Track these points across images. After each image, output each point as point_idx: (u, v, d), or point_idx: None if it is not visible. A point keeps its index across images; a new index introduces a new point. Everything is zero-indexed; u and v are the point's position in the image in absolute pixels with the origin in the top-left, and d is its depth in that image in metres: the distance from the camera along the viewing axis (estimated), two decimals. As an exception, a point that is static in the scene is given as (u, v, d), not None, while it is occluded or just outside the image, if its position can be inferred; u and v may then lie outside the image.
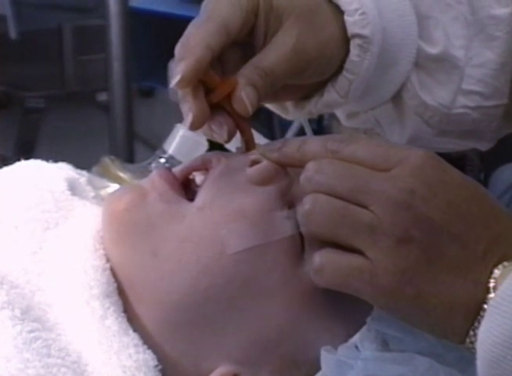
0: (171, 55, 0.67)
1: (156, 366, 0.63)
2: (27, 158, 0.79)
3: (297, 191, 0.65)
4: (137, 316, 0.65)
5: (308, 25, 0.69)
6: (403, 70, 0.76)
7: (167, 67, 0.67)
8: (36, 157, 0.79)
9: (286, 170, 0.66)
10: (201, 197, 0.66)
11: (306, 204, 0.60)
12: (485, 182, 1.46)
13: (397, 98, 0.78)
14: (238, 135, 0.69)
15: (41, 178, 0.74)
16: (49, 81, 3.58)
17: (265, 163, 0.66)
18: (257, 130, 0.75)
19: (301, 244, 0.64)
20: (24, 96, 3.38)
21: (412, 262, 0.57)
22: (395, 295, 0.58)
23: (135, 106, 2.23)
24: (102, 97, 3.08)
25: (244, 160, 0.67)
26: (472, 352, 0.57)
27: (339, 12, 0.71)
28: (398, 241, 0.57)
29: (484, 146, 0.84)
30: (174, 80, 0.64)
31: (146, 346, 0.63)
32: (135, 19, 2.36)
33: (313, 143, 0.63)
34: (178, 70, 0.64)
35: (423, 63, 0.76)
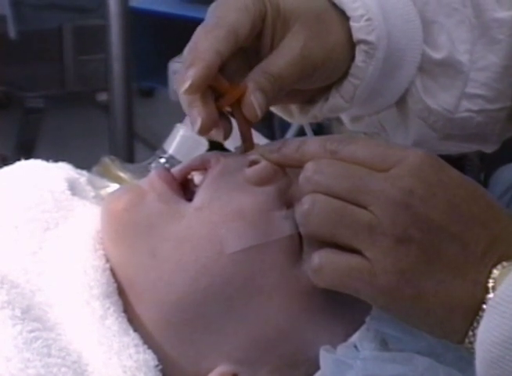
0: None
1: (157, 366, 0.63)
2: (27, 158, 0.79)
3: (295, 191, 0.65)
4: (137, 316, 0.65)
5: (315, 30, 0.69)
6: (407, 74, 0.76)
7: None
8: (36, 157, 0.79)
9: (285, 170, 0.66)
10: (200, 197, 0.66)
11: (305, 204, 0.60)
12: (485, 183, 1.45)
13: (401, 102, 0.78)
14: (237, 134, 0.69)
15: (41, 178, 0.74)
16: (49, 81, 3.58)
17: (263, 163, 0.66)
18: (257, 130, 0.75)
19: (300, 243, 0.64)
20: (24, 96, 3.39)
21: (411, 262, 0.57)
22: (394, 295, 0.58)
23: (135, 106, 2.23)
24: (102, 97, 3.09)
25: (243, 161, 0.67)
26: (471, 352, 0.58)
27: (345, 17, 0.72)
28: (397, 241, 0.57)
29: (488, 149, 0.84)
30: (183, 86, 0.64)
31: (146, 346, 0.64)
32: (135, 19, 2.36)
33: (312, 144, 0.63)
34: (187, 77, 0.64)
35: (427, 67, 0.76)
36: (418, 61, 0.76)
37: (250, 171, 0.66)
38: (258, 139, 0.72)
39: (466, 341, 0.58)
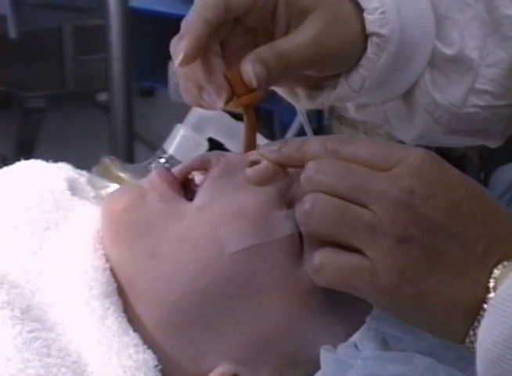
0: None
1: (157, 366, 0.63)
2: (27, 158, 0.79)
3: (296, 191, 0.65)
4: (137, 316, 0.65)
5: (332, 19, 0.70)
6: (417, 68, 0.76)
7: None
8: (36, 157, 0.79)
9: (286, 170, 0.66)
10: (200, 197, 0.66)
11: (306, 204, 0.60)
12: (485, 182, 1.45)
13: (408, 95, 0.78)
14: (238, 135, 0.69)
15: (41, 178, 0.74)
16: (49, 81, 3.58)
17: (264, 163, 0.66)
18: (258, 130, 0.75)
19: (300, 243, 0.64)
20: (24, 96, 3.39)
21: (411, 262, 0.57)
22: (395, 294, 0.58)
23: (135, 106, 2.23)
24: (102, 97, 3.08)
25: (243, 161, 0.67)
26: (472, 351, 0.57)
27: (359, 8, 0.72)
28: (398, 240, 0.57)
29: (493, 144, 0.84)
30: (176, 59, 0.65)
31: (146, 346, 0.63)
32: (135, 19, 2.36)
33: (313, 143, 0.63)
34: (179, 49, 0.65)
35: (437, 62, 0.77)
36: (429, 56, 0.76)
37: (251, 171, 0.66)
38: (258, 139, 0.72)
39: (467, 340, 0.58)
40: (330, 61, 0.70)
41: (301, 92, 0.78)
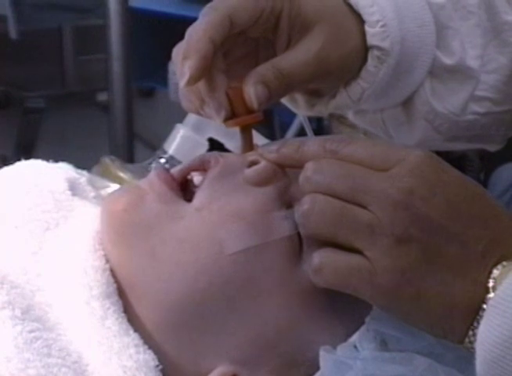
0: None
1: (157, 366, 0.63)
2: (27, 158, 0.79)
3: (295, 192, 0.65)
4: (137, 317, 0.65)
5: (335, 35, 0.70)
6: (417, 78, 0.76)
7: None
8: (36, 157, 0.79)
9: (285, 171, 0.66)
10: (199, 198, 0.66)
11: (305, 204, 0.60)
12: (485, 182, 1.45)
13: (408, 103, 0.78)
14: (238, 135, 0.69)
15: (41, 178, 0.74)
16: (49, 81, 3.58)
17: (263, 164, 0.66)
18: (257, 130, 0.75)
19: (300, 243, 0.64)
20: (24, 96, 3.38)
21: (411, 262, 0.57)
22: (394, 295, 0.58)
23: (135, 106, 2.23)
24: (102, 97, 3.08)
25: (242, 161, 0.67)
26: (471, 351, 0.58)
27: (361, 20, 0.72)
28: (397, 241, 0.57)
29: (493, 148, 0.84)
30: (182, 81, 0.65)
31: (146, 346, 0.63)
32: (135, 19, 2.36)
33: (312, 144, 0.63)
34: (185, 70, 0.65)
35: (437, 72, 0.77)
36: (429, 66, 0.76)
37: (250, 172, 0.66)
38: (258, 139, 0.72)
39: (467, 340, 0.58)
40: (330, 76, 0.71)
41: (300, 98, 0.78)
